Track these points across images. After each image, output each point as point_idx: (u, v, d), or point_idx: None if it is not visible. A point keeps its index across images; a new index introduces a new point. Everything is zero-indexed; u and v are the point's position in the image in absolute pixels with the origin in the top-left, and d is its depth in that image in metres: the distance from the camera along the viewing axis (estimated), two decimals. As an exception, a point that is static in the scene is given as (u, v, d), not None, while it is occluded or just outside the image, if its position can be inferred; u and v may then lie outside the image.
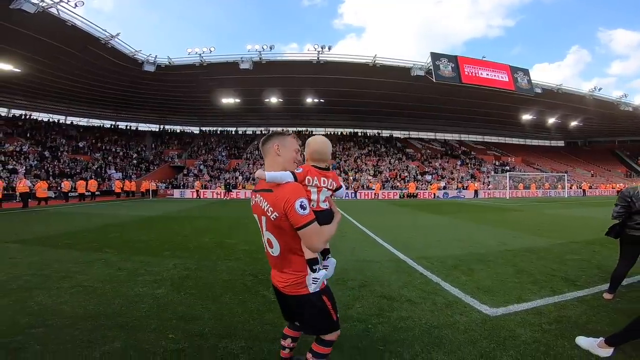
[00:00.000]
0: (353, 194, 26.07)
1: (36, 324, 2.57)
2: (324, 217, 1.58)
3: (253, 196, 1.64)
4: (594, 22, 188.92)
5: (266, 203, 1.50)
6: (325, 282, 1.63)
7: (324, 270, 1.59)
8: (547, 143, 50.88)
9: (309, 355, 1.64)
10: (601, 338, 2.20)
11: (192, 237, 6.88)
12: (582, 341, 2.27)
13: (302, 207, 1.41)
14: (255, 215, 1.63)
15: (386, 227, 8.51)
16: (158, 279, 3.84)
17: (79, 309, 2.89)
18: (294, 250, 1.54)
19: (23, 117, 31.79)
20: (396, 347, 2.27)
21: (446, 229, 8.40)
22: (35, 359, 2.07)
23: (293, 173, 1.54)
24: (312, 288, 1.55)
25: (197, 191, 25.28)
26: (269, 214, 1.49)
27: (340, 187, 1.74)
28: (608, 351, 2.14)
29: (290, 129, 38.93)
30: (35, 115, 32.88)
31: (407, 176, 31.49)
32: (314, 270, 1.55)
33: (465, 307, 3.01)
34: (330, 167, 1.78)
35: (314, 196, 1.60)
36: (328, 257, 1.70)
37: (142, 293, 3.34)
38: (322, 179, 1.63)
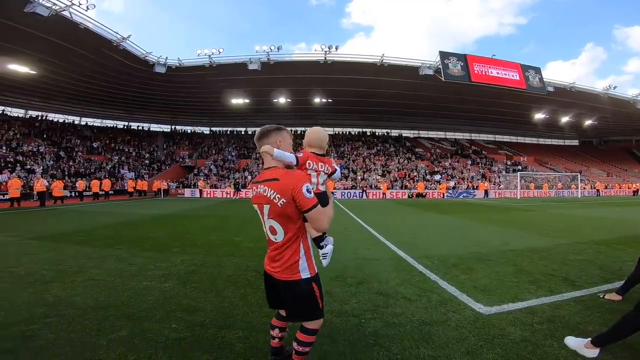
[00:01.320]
0: (361, 194, 26.07)
1: (51, 314, 2.75)
2: (322, 198, 1.74)
3: (255, 187, 1.74)
4: (609, 19, 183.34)
5: (272, 191, 1.61)
6: (316, 270, 1.73)
7: (331, 245, 1.79)
8: (560, 142, 49.70)
9: (295, 344, 1.75)
10: (589, 338, 2.18)
11: (200, 235, 7.08)
12: (571, 341, 2.25)
13: (308, 191, 1.56)
14: (256, 206, 1.74)
15: (391, 227, 8.54)
16: (166, 273, 4.02)
17: (91, 301, 3.08)
18: (296, 236, 1.67)
19: (39, 118, 32.84)
20: (386, 341, 2.35)
21: (451, 229, 8.36)
22: (47, 346, 2.23)
23: (296, 156, 1.71)
24: (325, 263, 1.76)
25: (201, 190, 25.69)
26: (275, 201, 1.60)
27: (336, 170, 1.92)
28: (594, 352, 2.12)
29: (299, 129, 39.19)
30: (51, 116, 33.92)
31: (416, 176, 31.27)
32: (321, 247, 1.73)
33: (460, 305, 3.05)
34: (327, 154, 2.00)
35: (313, 179, 1.78)
36: (325, 236, 1.85)
37: (150, 286, 3.52)
38: (320, 163, 1.82)
